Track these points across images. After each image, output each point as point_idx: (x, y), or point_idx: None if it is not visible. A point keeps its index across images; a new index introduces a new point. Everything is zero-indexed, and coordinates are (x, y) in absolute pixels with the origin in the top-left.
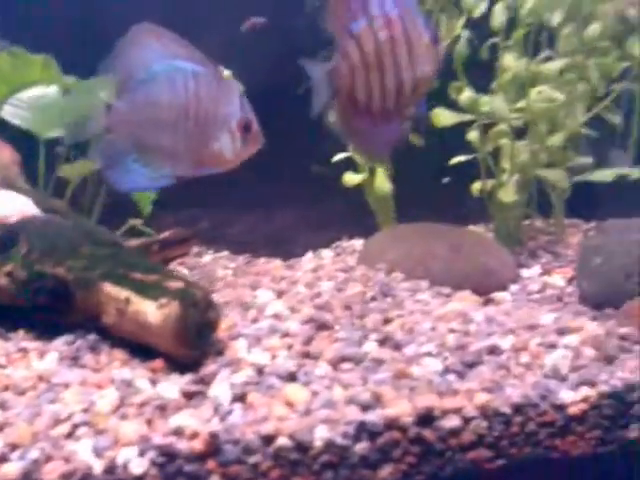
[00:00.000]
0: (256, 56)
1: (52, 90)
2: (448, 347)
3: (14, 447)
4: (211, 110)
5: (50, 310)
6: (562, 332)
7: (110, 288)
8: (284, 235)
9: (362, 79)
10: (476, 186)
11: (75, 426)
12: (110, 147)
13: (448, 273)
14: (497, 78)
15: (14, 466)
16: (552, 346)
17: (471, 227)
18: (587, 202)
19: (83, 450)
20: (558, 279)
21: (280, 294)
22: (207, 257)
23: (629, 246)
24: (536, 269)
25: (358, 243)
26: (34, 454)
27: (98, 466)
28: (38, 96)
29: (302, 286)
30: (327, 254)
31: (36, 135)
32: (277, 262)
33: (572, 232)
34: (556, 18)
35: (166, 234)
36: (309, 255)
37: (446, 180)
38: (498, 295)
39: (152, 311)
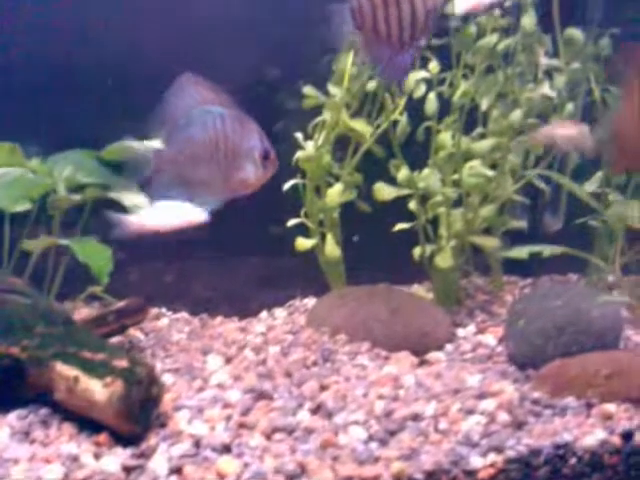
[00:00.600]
0: None
1: (17, 170)
2: (375, 415)
3: None
4: (237, 144)
5: (5, 386)
6: (482, 396)
7: (61, 367)
8: (242, 292)
9: (381, 14)
10: (416, 251)
11: None
12: (160, 185)
13: (388, 335)
14: (432, 156)
15: None
16: (470, 412)
17: (415, 286)
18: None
19: None
20: (490, 338)
21: (228, 360)
22: (165, 320)
23: (548, 312)
24: (471, 328)
25: (311, 302)
26: None
27: None
28: (4, 175)
29: (250, 351)
30: (280, 314)
31: (2, 210)
32: (231, 325)
33: (510, 289)
34: (485, 103)
35: (121, 304)
36: (264, 314)
37: (355, 238)
38: (433, 355)
39: (98, 389)
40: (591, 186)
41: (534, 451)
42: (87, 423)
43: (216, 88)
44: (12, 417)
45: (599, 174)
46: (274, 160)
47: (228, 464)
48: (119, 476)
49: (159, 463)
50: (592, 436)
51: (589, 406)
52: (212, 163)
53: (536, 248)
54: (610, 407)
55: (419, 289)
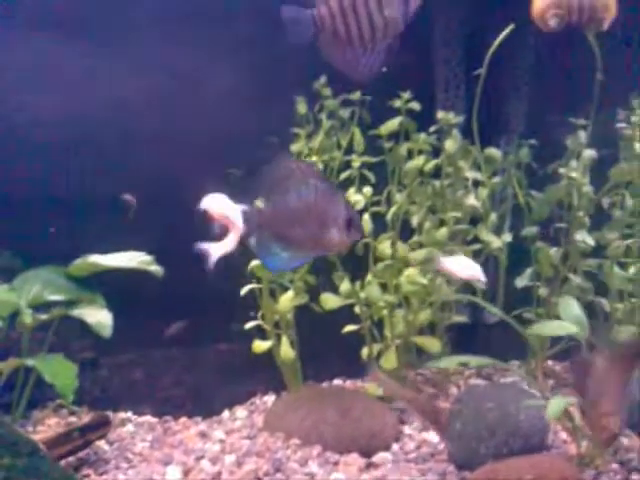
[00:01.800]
0: None
1: None
2: None
3: None
4: (326, 212)
5: None
6: None
7: None
8: (206, 388)
9: (341, 22)
10: (364, 351)
11: None
12: (262, 240)
13: (338, 438)
14: (372, 267)
15: None
16: None
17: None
18: (468, 348)
19: None
20: (433, 436)
21: (186, 472)
22: (130, 426)
23: (481, 414)
24: (417, 425)
25: (270, 399)
26: None
27: None
28: None
29: (207, 461)
30: (241, 414)
31: None
32: (193, 429)
33: (455, 379)
34: (415, 219)
35: (86, 420)
36: (225, 414)
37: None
38: (381, 456)
39: None
40: (522, 281)
41: None
42: None
43: (312, 166)
44: None
45: (529, 270)
46: (358, 227)
47: None
48: None
49: None
50: None
51: None
52: (304, 225)
53: (464, 359)
54: None
55: (370, 385)
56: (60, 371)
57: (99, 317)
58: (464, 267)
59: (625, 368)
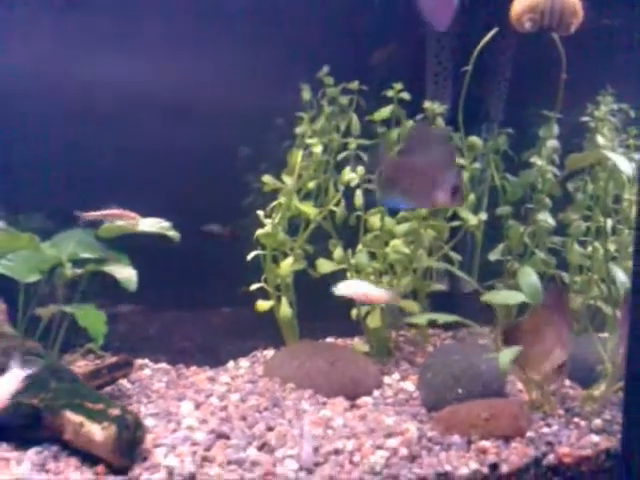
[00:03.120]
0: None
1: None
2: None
3: None
4: (439, 175)
5: (26, 428)
6: (390, 435)
7: (69, 414)
8: (214, 343)
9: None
10: (353, 312)
11: None
12: (383, 184)
13: (327, 383)
14: (362, 237)
15: None
16: (379, 447)
17: (356, 339)
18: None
19: None
20: (410, 385)
21: (198, 406)
22: (147, 370)
23: (449, 365)
24: (396, 376)
25: (270, 353)
26: None
27: None
28: (22, 254)
29: (215, 398)
30: (244, 364)
31: (18, 280)
32: (202, 375)
33: (434, 341)
34: None
35: (112, 360)
36: (230, 364)
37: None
38: (363, 400)
39: (97, 432)
40: (495, 255)
41: (421, 478)
42: (88, 458)
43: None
44: (31, 452)
45: (501, 246)
46: (460, 196)
47: None
48: None
49: None
50: (467, 467)
51: (470, 442)
52: (420, 181)
53: (434, 316)
54: (486, 443)
55: (358, 342)
56: (92, 318)
57: (126, 274)
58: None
59: (553, 316)
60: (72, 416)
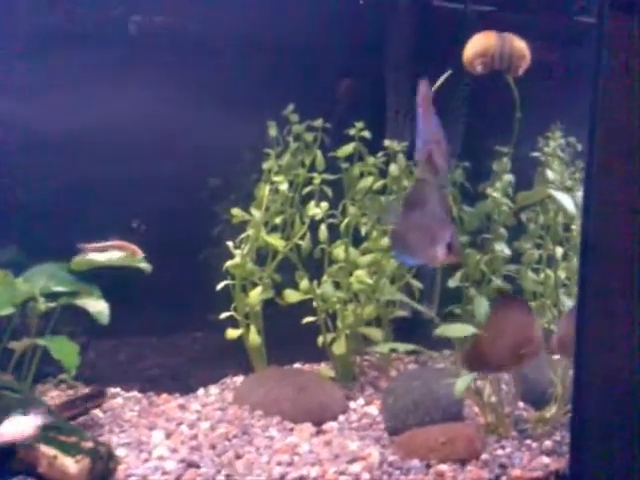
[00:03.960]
0: None
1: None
2: (273, 478)
3: None
4: (436, 233)
5: (1, 462)
6: (353, 460)
7: (43, 448)
8: (184, 370)
9: None
10: (319, 339)
11: None
12: (395, 242)
13: (294, 409)
14: (327, 268)
15: None
16: (342, 473)
17: (322, 364)
18: (410, 339)
19: None
20: (374, 409)
21: (169, 435)
22: (119, 399)
23: (410, 390)
24: (360, 401)
25: (239, 380)
26: None
27: None
28: None
29: (186, 426)
30: (214, 391)
31: None
32: (173, 402)
33: (397, 364)
34: (364, 228)
35: (85, 391)
36: (200, 392)
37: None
38: (329, 425)
39: (71, 465)
40: (454, 282)
41: None
42: None
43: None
44: None
45: (459, 273)
46: (457, 251)
47: None
48: None
49: None
50: None
51: (428, 466)
52: (420, 238)
53: (395, 345)
54: (443, 467)
55: (324, 367)
56: (65, 350)
57: (98, 307)
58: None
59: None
60: (46, 449)
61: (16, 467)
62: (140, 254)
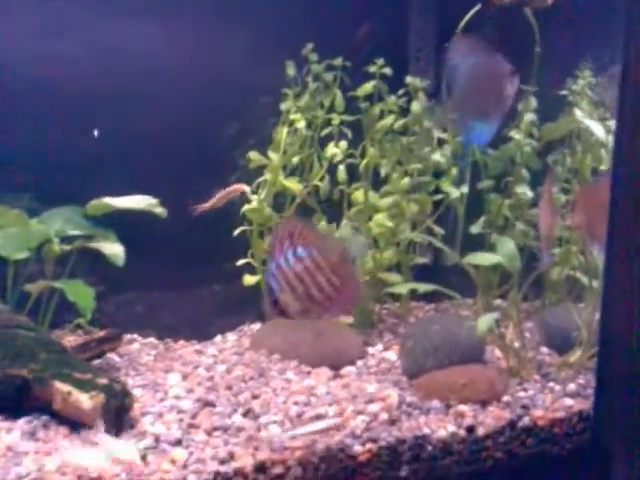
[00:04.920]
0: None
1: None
2: (289, 416)
3: None
4: (494, 73)
5: (16, 399)
6: (372, 401)
7: (58, 384)
8: (202, 319)
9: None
10: None
11: None
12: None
13: (312, 354)
14: (346, 211)
15: None
16: (360, 413)
17: None
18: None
19: None
20: (392, 355)
21: (185, 377)
22: (136, 344)
23: (429, 334)
24: (379, 347)
25: (257, 327)
26: None
27: None
28: (10, 231)
29: (202, 369)
30: (231, 337)
31: (6, 258)
32: (190, 348)
33: (416, 313)
34: (383, 170)
35: (101, 334)
36: (217, 338)
37: None
38: (346, 370)
39: (86, 401)
40: (476, 228)
41: (400, 441)
42: (77, 426)
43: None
44: (21, 422)
45: (482, 219)
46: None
47: (178, 453)
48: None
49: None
50: (445, 430)
51: (448, 407)
52: (484, 90)
53: (414, 285)
54: (463, 408)
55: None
56: (81, 293)
57: (114, 250)
58: None
59: None
60: (61, 386)
61: (31, 404)
62: (245, 189)
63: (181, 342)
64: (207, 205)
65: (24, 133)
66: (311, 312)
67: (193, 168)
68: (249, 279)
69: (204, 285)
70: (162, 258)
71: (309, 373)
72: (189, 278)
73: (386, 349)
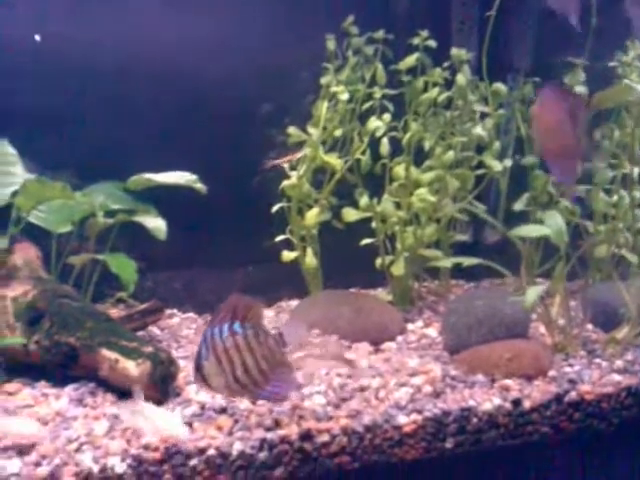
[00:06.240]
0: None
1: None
2: (333, 387)
3: (44, 457)
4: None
5: (64, 367)
6: (414, 374)
7: (105, 352)
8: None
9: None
10: (377, 261)
11: (81, 444)
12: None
13: (351, 329)
14: (388, 186)
15: (44, 469)
16: (403, 385)
17: (379, 289)
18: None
19: (86, 459)
20: (433, 331)
21: None
22: (176, 319)
23: (472, 309)
24: (419, 323)
25: (294, 303)
26: (56, 461)
27: (95, 469)
28: (54, 205)
29: None
30: (269, 313)
31: (51, 231)
32: None
33: (456, 291)
34: (427, 144)
35: (144, 306)
36: None
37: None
38: (387, 345)
39: (132, 368)
40: (519, 205)
41: (445, 412)
42: (123, 394)
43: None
44: (69, 389)
45: (526, 195)
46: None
47: (224, 420)
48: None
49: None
50: (491, 403)
51: (493, 381)
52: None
53: (458, 259)
54: (508, 382)
55: (382, 292)
56: (124, 265)
57: (156, 223)
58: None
59: None
60: (108, 353)
61: (77, 372)
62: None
63: None
64: (276, 162)
65: (65, 110)
66: (234, 391)
67: (232, 145)
68: (288, 255)
69: (242, 262)
70: (200, 235)
71: (349, 347)
72: (226, 255)
73: (426, 326)
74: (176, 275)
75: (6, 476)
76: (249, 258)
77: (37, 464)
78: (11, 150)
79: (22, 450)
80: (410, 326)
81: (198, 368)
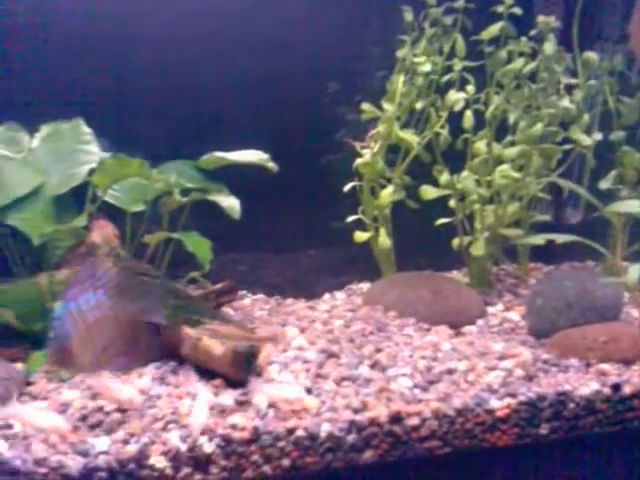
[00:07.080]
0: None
1: (134, 178)
2: (419, 370)
3: (132, 435)
4: None
5: None
6: (503, 358)
7: (187, 330)
8: (307, 279)
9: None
10: (455, 242)
11: (167, 422)
12: None
13: (430, 312)
14: (469, 162)
15: (132, 447)
16: (492, 368)
17: (454, 272)
18: (548, 248)
19: (174, 437)
20: (515, 315)
21: (302, 330)
22: (247, 300)
23: (561, 292)
24: (500, 307)
25: (365, 286)
26: (144, 440)
27: (184, 448)
28: (128, 184)
29: (319, 324)
30: (340, 296)
31: (124, 210)
32: (301, 304)
33: (535, 274)
34: (512, 117)
35: (219, 285)
36: (326, 296)
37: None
38: (467, 328)
39: (216, 346)
40: (606, 183)
41: (540, 397)
42: (206, 373)
43: None
44: (150, 367)
45: (613, 173)
46: None
47: (310, 401)
48: (233, 407)
49: (260, 399)
50: (588, 387)
51: (588, 365)
52: None
53: (551, 236)
54: (605, 366)
55: (457, 274)
56: (199, 244)
57: (230, 202)
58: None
59: None
60: (190, 331)
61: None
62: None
63: (290, 299)
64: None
65: (137, 91)
66: (100, 365)
67: (301, 123)
68: (360, 236)
69: (310, 244)
70: (268, 217)
71: (429, 330)
72: (295, 237)
73: (507, 309)
74: (243, 257)
75: (95, 454)
76: (318, 239)
77: (125, 442)
78: (86, 129)
79: (120, 408)
80: (490, 309)
81: (63, 351)
